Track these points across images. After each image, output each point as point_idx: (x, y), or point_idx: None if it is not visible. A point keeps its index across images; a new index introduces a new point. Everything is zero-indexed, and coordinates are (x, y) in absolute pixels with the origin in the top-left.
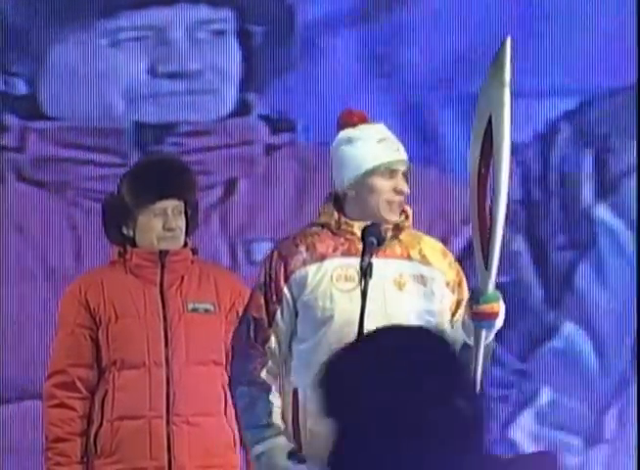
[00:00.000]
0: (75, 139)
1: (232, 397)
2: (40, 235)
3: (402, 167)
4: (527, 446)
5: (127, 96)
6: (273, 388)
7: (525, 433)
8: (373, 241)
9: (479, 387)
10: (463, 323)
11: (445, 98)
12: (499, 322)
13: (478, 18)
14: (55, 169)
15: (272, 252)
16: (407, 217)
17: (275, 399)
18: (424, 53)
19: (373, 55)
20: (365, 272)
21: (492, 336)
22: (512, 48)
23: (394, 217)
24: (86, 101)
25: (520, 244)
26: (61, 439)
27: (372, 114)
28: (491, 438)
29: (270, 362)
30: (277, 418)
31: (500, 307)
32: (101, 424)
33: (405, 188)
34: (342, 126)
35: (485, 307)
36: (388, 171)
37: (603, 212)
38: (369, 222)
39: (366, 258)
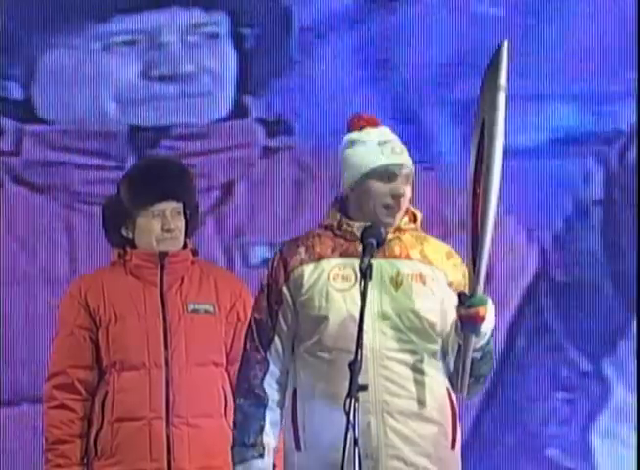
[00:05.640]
0: (70, 143)
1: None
2: (35, 238)
3: (402, 171)
4: (605, 447)
5: (121, 100)
6: (271, 400)
7: (602, 433)
8: (372, 242)
9: (464, 392)
10: (455, 327)
11: (443, 101)
12: (486, 327)
13: (475, 20)
14: (50, 173)
15: (275, 254)
16: (414, 220)
17: (271, 414)
18: (420, 55)
19: (369, 57)
20: (365, 273)
21: (484, 341)
22: (508, 51)
23: (391, 221)
24: (80, 105)
25: (594, 243)
26: (61, 440)
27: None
28: (571, 438)
29: (273, 367)
30: (267, 436)
31: (487, 312)
32: (101, 426)
33: (403, 191)
34: (350, 130)
35: (470, 311)
36: (387, 174)
37: None
38: (368, 224)
39: (365, 260)
